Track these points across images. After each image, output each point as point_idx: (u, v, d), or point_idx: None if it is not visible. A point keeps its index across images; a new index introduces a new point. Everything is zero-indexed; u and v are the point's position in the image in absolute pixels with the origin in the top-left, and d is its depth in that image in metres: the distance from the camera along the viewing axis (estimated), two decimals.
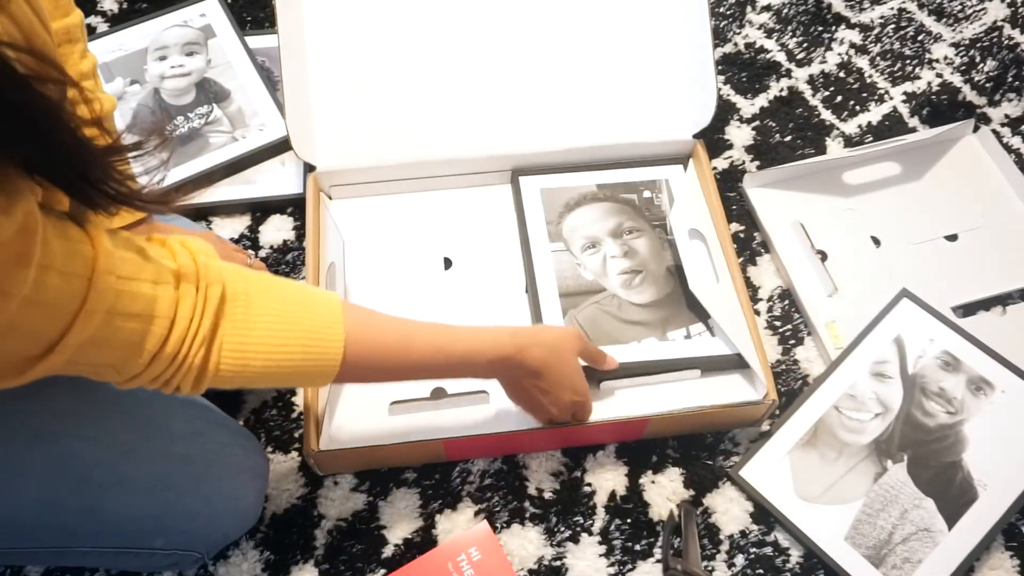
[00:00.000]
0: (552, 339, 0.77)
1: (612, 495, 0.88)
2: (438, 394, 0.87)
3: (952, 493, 0.84)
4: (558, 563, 0.85)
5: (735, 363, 0.87)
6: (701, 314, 0.90)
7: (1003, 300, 0.98)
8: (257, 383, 0.64)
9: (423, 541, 0.86)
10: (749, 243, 1.04)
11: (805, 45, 1.20)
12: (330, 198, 1.01)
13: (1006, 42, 1.19)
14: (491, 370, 0.75)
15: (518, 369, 0.75)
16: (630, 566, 0.85)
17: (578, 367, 0.80)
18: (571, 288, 0.93)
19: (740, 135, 1.12)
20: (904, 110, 1.14)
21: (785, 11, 1.23)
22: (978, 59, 1.17)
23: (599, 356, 0.84)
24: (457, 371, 0.73)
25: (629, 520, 0.87)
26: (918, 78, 1.16)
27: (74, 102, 0.50)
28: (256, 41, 1.16)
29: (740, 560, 0.85)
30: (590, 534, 0.86)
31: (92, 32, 1.21)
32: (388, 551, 0.85)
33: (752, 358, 0.86)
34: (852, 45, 1.20)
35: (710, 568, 0.85)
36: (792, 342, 0.97)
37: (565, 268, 0.94)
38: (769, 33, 1.21)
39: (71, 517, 0.71)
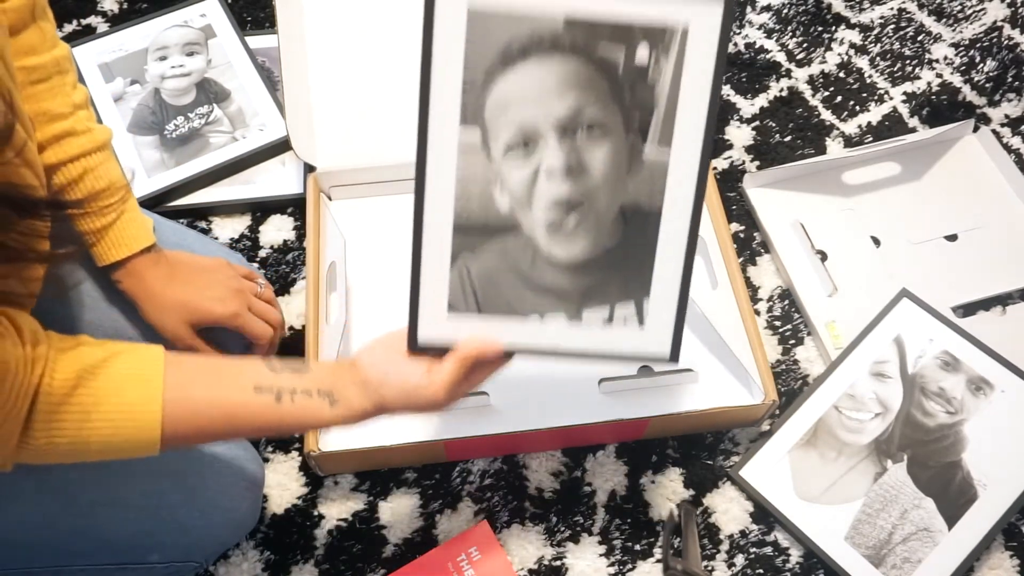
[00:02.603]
0: (397, 382, 0.63)
1: (612, 495, 0.88)
2: None
3: (952, 493, 0.84)
4: (558, 563, 0.85)
5: (666, 363, 0.68)
6: (637, 289, 0.65)
7: (1003, 300, 0.98)
8: (69, 459, 0.61)
9: (423, 541, 0.86)
10: (749, 243, 1.04)
11: (805, 45, 1.20)
12: (330, 198, 1.01)
13: (1006, 42, 1.19)
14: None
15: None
16: (630, 566, 0.85)
17: (410, 376, 0.64)
18: (473, 218, 0.62)
19: (740, 135, 1.12)
20: (904, 110, 1.14)
21: (785, 11, 1.23)
22: (978, 59, 1.17)
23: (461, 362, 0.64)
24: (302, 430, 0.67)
25: (629, 520, 0.87)
26: (918, 78, 1.16)
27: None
28: (256, 41, 1.16)
29: (740, 560, 0.85)
30: (590, 534, 0.86)
31: (92, 32, 1.21)
32: (388, 551, 0.85)
33: (751, 360, 0.86)
34: (852, 45, 1.20)
35: (710, 568, 0.85)
36: (792, 342, 0.97)
37: (472, 178, 0.62)
38: (769, 33, 1.21)
39: (65, 537, 0.71)
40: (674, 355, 0.67)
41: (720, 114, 1.13)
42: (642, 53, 0.60)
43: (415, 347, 0.65)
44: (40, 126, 0.71)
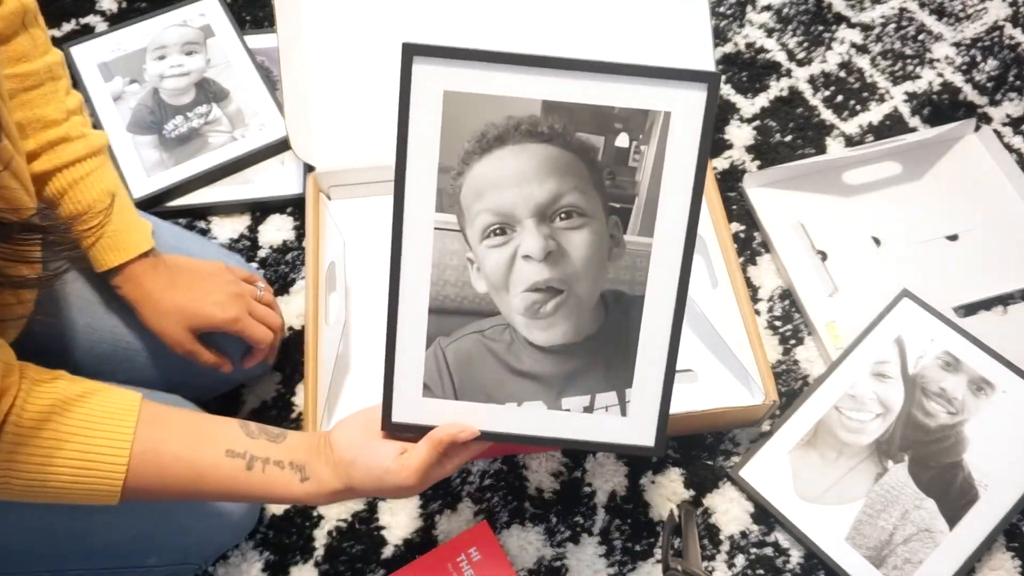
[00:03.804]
0: (369, 463, 0.62)
1: (612, 495, 0.88)
2: None
3: (953, 493, 0.84)
4: (558, 563, 0.85)
5: (649, 452, 0.66)
6: (619, 379, 0.63)
7: (1004, 300, 0.97)
8: (24, 499, 0.60)
9: (423, 541, 0.86)
10: (749, 243, 1.04)
11: (805, 45, 1.20)
12: (329, 198, 1.01)
13: (1007, 41, 1.19)
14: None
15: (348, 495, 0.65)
16: (630, 566, 0.84)
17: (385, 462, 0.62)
18: (450, 301, 0.62)
19: (740, 135, 1.12)
20: (905, 110, 1.13)
21: (785, 11, 1.23)
22: (979, 59, 1.17)
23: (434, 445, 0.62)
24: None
25: (629, 520, 0.87)
26: (919, 77, 1.16)
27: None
28: (256, 41, 1.16)
29: (740, 560, 0.85)
30: (590, 534, 0.86)
31: (91, 31, 1.21)
32: (388, 551, 0.85)
33: (751, 360, 0.86)
34: (853, 44, 1.19)
35: (710, 568, 0.84)
36: (792, 342, 0.97)
37: (449, 263, 0.62)
38: (769, 33, 1.21)
39: (63, 542, 0.72)
40: (659, 446, 0.65)
41: (720, 114, 1.12)
42: (622, 138, 0.59)
43: (389, 427, 0.64)
44: (34, 133, 0.71)
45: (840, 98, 1.15)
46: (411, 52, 0.58)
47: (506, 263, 0.61)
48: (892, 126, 1.12)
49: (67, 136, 0.72)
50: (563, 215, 0.60)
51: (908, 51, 1.18)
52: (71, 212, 0.73)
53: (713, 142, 1.11)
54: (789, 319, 0.98)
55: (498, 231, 0.60)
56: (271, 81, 1.12)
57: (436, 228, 0.61)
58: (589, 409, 0.64)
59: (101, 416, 0.59)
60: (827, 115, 1.13)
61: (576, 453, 0.90)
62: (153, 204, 1.04)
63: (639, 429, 0.64)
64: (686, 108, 0.58)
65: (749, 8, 1.24)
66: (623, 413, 0.64)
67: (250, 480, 0.62)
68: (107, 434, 0.59)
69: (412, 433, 0.63)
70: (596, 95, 0.58)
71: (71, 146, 0.73)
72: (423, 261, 0.62)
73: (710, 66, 0.98)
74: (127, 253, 0.75)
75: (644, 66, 0.58)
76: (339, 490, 0.63)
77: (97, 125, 1.08)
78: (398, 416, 0.64)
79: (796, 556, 0.85)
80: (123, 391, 0.62)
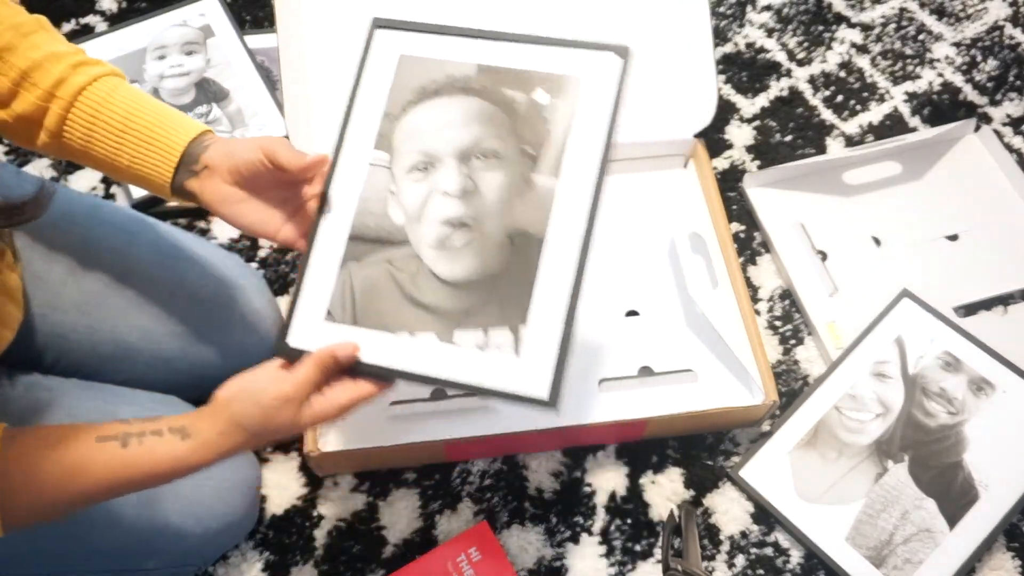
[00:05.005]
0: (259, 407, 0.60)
1: (612, 495, 0.88)
2: (438, 394, 0.87)
3: (953, 493, 0.84)
4: (558, 563, 0.85)
5: (542, 407, 0.61)
6: (514, 315, 0.63)
7: (1004, 300, 0.97)
8: None
9: (423, 541, 0.86)
10: (749, 243, 1.04)
11: (806, 45, 1.20)
12: None
13: (1007, 41, 1.19)
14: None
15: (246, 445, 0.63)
16: (630, 566, 0.84)
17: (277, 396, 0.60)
18: (368, 230, 0.66)
19: (740, 135, 1.12)
20: (905, 110, 1.13)
21: (785, 10, 1.23)
22: (979, 58, 1.17)
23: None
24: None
25: (629, 520, 0.87)
26: (919, 77, 1.16)
27: None
28: (255, 41, 1.16)
29: (740, 560, 0.85)
30: (590, 534, 0.86)
31: (91, 32, 1.21)
32: (388, 551, 0.85)
33: (751, 360, 0.86)
34: (853, 44, 1.19)
35: (711, 568, 0.84)
36: (792, 342, 0.97)
37: (374, 195, 0.67)
38: (769, 32, 1.21)
39: (61, 544, 0.71)
40: (553, 398, 0.60)
41: (720, 114, 1.12)
42: (541, 96, 0.67)
43: (284, 351, 0.62)
44: (51, 64, 0.66)
45: (840, 98, 1.15)
46: (376, 25, 0.70)
47: (424, 196, 0.66)
48: (892, 126, 1.12)
49: (86, 61, 0.68)
50: (481, 155, 0.66)
51: (908, 51, 1.18)
52: (109, 124, 0.68)
53: (713, 142, 1.11)
54: (789, 319, 0.98)
55: (421, 167, 0.66)
56: (271, 81, 1.12)
57: (371, 164, 0.67)
58: (482, 347, 0.62)
59: None
60: (827, 115, 1.13)
61: (576, 452, 0.90)
62: (153, 204, 1.04)
63: (533, 376, 0.61)
64: (600, 74, 0.66)
65: (749, 8, 1.24)
66: (516, 353, 0.62)
67: (129, 457, 0.58)
68: None
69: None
70: (522, 60, 0.68)
71: (91, 68, 0.69)
72: (352, 190, 0.67)
73: (710, 67, 0.98)
74: (188, 133, 0.68)
75: (561, 38, 0.68)
76: (222, 433, 0.60)
77: None
78: (294, 340, 0.63)
79: (796, 556, 0.85)
80: None
